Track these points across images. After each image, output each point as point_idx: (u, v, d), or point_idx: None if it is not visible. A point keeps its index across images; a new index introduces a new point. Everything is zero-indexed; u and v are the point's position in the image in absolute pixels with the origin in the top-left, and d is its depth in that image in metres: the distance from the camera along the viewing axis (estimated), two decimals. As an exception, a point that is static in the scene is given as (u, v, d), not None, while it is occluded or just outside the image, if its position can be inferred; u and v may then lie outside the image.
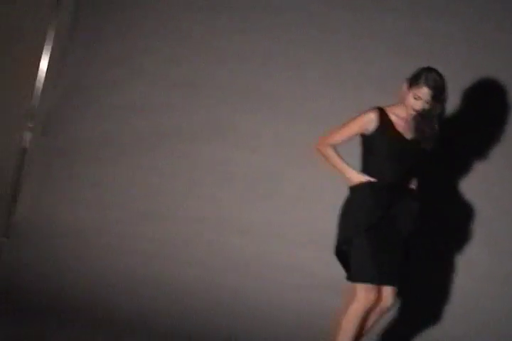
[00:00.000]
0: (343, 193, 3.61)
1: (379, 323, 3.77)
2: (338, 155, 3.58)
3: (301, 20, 4.60)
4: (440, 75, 3.48)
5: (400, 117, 3.57)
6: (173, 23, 4.73)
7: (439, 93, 3.47)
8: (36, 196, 4.85)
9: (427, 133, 3.55)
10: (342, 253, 3.65)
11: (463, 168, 4.48)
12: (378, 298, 3.60)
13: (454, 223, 4.47)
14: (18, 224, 4.81)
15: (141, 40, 4.77)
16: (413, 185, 3.73)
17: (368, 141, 3.59)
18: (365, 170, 3.59)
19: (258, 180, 4.59)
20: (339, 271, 3.65)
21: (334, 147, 3.61)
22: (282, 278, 4.42)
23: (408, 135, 3.58)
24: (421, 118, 3.53)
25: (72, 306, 4.32)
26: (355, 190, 3.55)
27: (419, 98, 3.46)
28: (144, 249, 4.60)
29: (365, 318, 3.65)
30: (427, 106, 3.50)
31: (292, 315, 4.32)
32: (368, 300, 3.56)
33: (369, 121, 3.54)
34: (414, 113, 3.53)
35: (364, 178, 3.56)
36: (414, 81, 3.47)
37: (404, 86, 3.50)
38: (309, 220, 4.48)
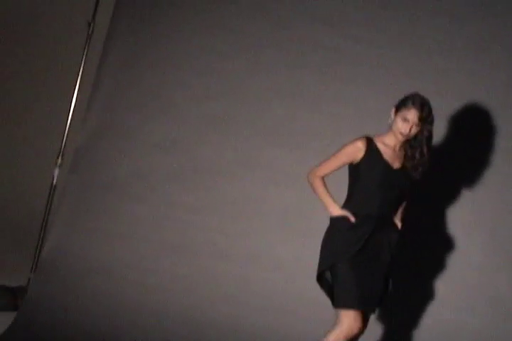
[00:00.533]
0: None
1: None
2: (325, 186, 3.65)
3: (333, 59, 4.72)
4: (426, 98, 3.55)
5: (389, 146, 3.60)
6: (204, 58, 4.80)
7: (426, 114, 3.51)
8: (64, 233, 4.86)
9: (417, 160, 3.58)
10: (324, 279, 3.69)
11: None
12: (363, 326, 3.59)
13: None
14: (45, 260, 4.79)
15: (172, 74, 4.82)
16: (398, 219, 3.76)
17: (355, 170, 3.63)
18: (351, 198, 3.64)
19: (289, 216, 4.60)
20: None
21: (323, 178, 3.67)
22: (314, 315, 4.41)
23: (396, 164, 3.61)
24: (409, 145, 3.57)
25: None
26: (335, 221, 3.61)
27: (407, 120, 3.49)
28: (173, 285, 4.60)
29: None
30: (414, 130, 3.53)
31: None
32: (351, 328, 3.57)
33: (356, 151, 3.58)
34: (402, 138, 3.56)
35: (343, 213, 3.61)
36: (401, 104, 3.52)
37: (392, 111, 3.55)
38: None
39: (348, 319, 3.59)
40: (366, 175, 3.66)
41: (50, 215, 4.92)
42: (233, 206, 4.66)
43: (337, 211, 3.62)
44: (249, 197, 4.64)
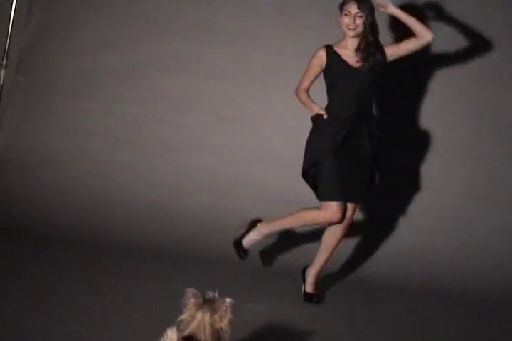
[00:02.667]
0: (303, 119, 4.03)
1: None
2: (307, 95, 3.92)
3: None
4: None
5: (348, 49, 3.88)
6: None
7: (363, 3, 3.79)
8: (15, 129, 5.04)
9: (365, 50, 3.82)
10: (309, 175, 3.96)
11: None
12: (343, 217, 3.86)
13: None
14: None
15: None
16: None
17: (325, 76, 3.94)
18: (329, 102, 3.92)
19: (220, 107, 4.91)
20: (303, 188, 4.05)
21: (307, 90, 3.94)
22: (251, 196, 4.79)
23: (357, 64, 3.86)
24: (360, 40, 3.81)
25: (52, 230, 4.56)
26: (315, 120, 3.90)
27: (349, 13, 3.78)
28: (120, 174, 4.88)
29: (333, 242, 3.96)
30: (358, 21, 3.79)
31: None
32: (330, 218, 3.86)
33: (320, 59, 3.88)
34: (352, 32, 3.82)
35: (319, 110, 3.87)
36: (342, 3, 3.83)
37: (339, 15, 3.82)
38: (271, 143, 4.86)
39: (331, 210, 3.86)
40: (333, 78, 3.93)
41: (0, 113, 5.05)
42: (171, 99, 4.91)
43: (316, 107, 3.89)
44: (186, 91, 4.89)
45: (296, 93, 3.98)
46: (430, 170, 4.88)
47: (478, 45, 4.75)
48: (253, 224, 4.09)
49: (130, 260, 4.32)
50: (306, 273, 4.00)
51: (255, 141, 4.88)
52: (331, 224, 3.88)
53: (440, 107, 4.88)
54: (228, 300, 2.46)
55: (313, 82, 3.94)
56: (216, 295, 2.49)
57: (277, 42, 4.84)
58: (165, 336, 2.34)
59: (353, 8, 3.79)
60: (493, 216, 4.81)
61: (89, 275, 3.96)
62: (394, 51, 3.90)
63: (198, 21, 4.90)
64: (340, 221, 3.84)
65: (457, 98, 4.88)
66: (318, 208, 3.89)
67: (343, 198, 3.84)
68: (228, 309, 2.45)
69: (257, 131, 4.89)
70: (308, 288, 3.98)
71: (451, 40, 4.72)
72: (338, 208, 3.79)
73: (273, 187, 4.82)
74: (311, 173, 3.94)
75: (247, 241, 4.05)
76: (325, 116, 3.82)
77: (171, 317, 2.53)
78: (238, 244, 4.09)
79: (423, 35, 3.85)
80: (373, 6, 3.81)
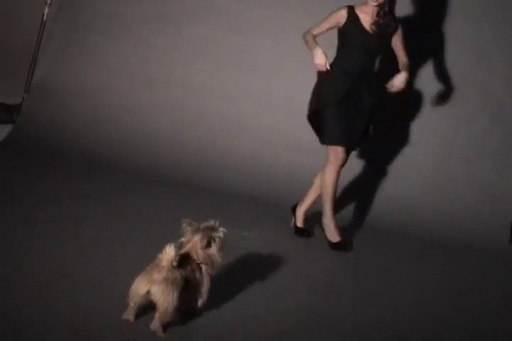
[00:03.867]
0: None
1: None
2: (314, 39, 4.13)
3: None
4: None
5: (367, 14, 4.16)
6: None
7: None
8: (53, 61, 5.46)
9: (381, 19, 4.11)
10: (313, 120, 4.28)
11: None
12: (346, 158, 4.18)
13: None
14: (37, 83, 5.45)
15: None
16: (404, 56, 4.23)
17: (340, 33, 4.22)
18: (337, 56, 4.22)
19: (239, 56, 5.29)
20: (312, 135, 4.34)
21: (315, 36, 4.15)
22: (263, 138, 5.22)
23: (371, 28, 4.15)
24: (379, 9, 4.09)
25: (78, 149, 5.07)
26: (321, 72, 4.17)
27: None
28: (140, 109, 5.33)
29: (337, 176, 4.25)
30: None
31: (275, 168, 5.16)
32: (337, 161, 4.19)
33: (340, 17, 4.16)
34: (374, 3, 4.09)
35: (319, 52, 4.07)
36: None
37: None
38: (285, 92, 5.23)
39: (334, 153, 4.19)
40: (348, 37, 4.20)
41: (41, 46, 5.46)
42: (194, 46, 5.30)
43: (318, 50, 4.07)
44: (209, 40, 5.29)
45: (304, 34, 4.19)
46: (420, 127, 5.19)
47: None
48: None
49: (147, 186, 4.74)
50: (297, 209, 4.36)
51: (265, 90, 5.25)
52: (342, 167, 4.18)
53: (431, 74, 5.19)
54: (222, 229, 2.77)
55: (323, 33, 4.18)
56: (217, 223, 2.79)
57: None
58: (163, 251, 2.62)
59: None
60: (473, 174, 5.11)
61: (103, 196, 4.38)
62: (397, 39, 4.23)
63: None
64: (344, 162, 4.18)
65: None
66: (324, 170, 4.20)
67: (348, 143, 4.20)
68: (220, 237, 2.77)
69: (268, 82, 5.25)
70: (299, 223, 4.35)
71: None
72: (342, 151, 4.15)
73: (278, 131, 5.25)
74: (315, 118, 4.25)
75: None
76: (327, 66, 4.06)
77: (173, 239, 2.79)
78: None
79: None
80: None
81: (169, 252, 2.60)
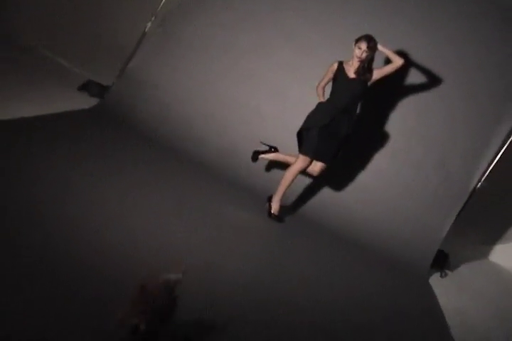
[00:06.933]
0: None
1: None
2: (323, 93, 5.17)
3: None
4: (372, 35, 4.93)
5: (352, 66, 5.07)
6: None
7: (371, 44, 4.91)
8: (144, 61, 6.44)
9: (362, 71, 5.03)
10: (300, 135, 5.19)
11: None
12: (309, 167, 5.17)
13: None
14: (127, 73, 6.46)
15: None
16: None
17: (333, 80, 5.17)
18: (331, 96, 5.18)
19: (272, 83, 6.23)
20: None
21: (323, 87, 5.18)
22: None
23: (353, 77, 5.04)
24: (361, 65, 4.99)
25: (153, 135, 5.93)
26: (318, 104, 5.21)
27: (360, 48, 4.92)
28: (200, 109, 6.29)
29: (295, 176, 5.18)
30: (365, 55, 4.91)
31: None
32: (302, 165, 5.13)
33: (333, 68, 5.12)
34: (358, 60, 4.95)
35: (322, 99, 5.14)
36: (357, 39, 5.00)
37: (353, 45, 4.99)
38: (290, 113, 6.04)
39: (302, 161, 5.09)
40: (336, 83, 5.13)
41: (138, 48, 6.56)
42: (240, 75, 6.25)
43: (321, 99, 5.14)
44: (251, 71, 6.25)
45: (317, 88, 5.22)
46: (377, 161, 6.01)
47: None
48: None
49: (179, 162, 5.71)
50: (272, 199, 5.29)
51: (279, 105, 6.15)
52: (302, 170, 5.13)
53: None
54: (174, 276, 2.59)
55: (328, 82, 5.19)
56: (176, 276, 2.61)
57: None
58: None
59: (363, 46, 4.95)
60: (412, 208, 5.89)
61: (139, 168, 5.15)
62: (378, 72, 5.15)
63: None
64: (305, 169, 5.12)
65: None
66: (291, 167, 5.10)
67: (314, 157, 5.12)
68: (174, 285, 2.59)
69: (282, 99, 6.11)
70: (274, 210, 5.25)
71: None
72: (307, 161, 5.10)
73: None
74: (301, 134, 5.19)
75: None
76: (322, 100, 5.09)
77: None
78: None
79: (395, 60, 5.16)
80: (376, 45, 4.97)
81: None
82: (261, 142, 5.59)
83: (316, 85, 5.26)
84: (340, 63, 5.13)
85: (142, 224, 4.12)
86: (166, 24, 6.50)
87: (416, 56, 6.06)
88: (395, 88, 6.10)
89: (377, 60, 5.37)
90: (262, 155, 5.51)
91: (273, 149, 5.56)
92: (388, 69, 5.19)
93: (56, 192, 4.02)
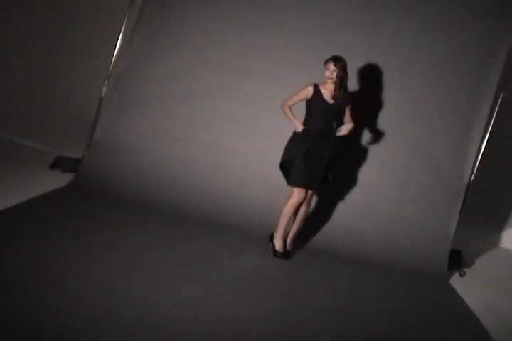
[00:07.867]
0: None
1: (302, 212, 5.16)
2: (290, 111, 5.00)
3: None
4: (340, 56, 4.88)
5: (327, 89, 5.00)
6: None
7: (339, 64, 4.85)
8: (108, 126, 6.34)
9: (335, 93, 4.94)
10: (284, 168, 5.07)
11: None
12: (305, 197, 5.02)
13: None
14: (95, 142, 6.34)
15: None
16: (349, 121, 5.01)
17: (307, 104, 5.04)
18: (306, 121, 5.06)
19: (248, 123, 6.17)
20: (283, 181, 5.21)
21: (290, 107, 5.01)
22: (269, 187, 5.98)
23: (330, 101, 4.96)
24: (335, 85, 4.93)
25: (132, 195, 5.86)
26: (295, 132, 5.07)
27: (328, 68, 4.89)
28: (174, 161, 6.19)
29: (296, 209, 5.09)
30: (335, 74, 4.86)
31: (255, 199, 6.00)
32: (299, 198, 5.01)
33: (308, 91, 4.98)
34: (330, 80, 4.91)
35: (299, 126, 4.97)
36: (326, 61, 4.95)
37: (324, 67, 4.92)
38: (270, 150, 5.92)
39: (297, 192, 4.94)
40: (312, 106, 4.99)
41: (99, 115, 6.46)
42: (217, 117, 6.20)
43: (296, 123, 4.95)
44: (227, 112, 6.20)
45: (282, 106, 5.02)
46: (368, 174, 5.95)
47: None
48: (270, 237, 5.20)
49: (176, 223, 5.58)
50: (274, 237, 5.15)
51: (262, 145, 6.11)
52: (300, 203, 4.97)
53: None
54: None
55: (295, 104, 5.04)
56: None
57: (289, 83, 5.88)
58: None
59: (331, 66, 4.92)
60: (416, 214, 5.84)
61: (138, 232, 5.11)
62: (348, 109, 5.14)
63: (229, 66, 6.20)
64: (303, 200, 4.99)
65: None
66: (287, 201, 4.94)
67: (306, 186, 4.99)
68: None
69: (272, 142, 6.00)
70: (279, 248, 5.12)
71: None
72: (302, 191, 4.98)
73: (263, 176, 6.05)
74: (285, 166, 5.07)
75: (278, 248, 5.12)
76: (300, 129, 4.94)
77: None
78: (276, 255, 5.11)
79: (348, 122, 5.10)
80: (346, 65, 4.89)
81: None
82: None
83: (281, 104, 5.12)
84: (316, 86, 5.05)
85: (152, 294, 4.05)
86: (119, 87, 6.47)
87: (388, 60, 6.10)
88: (366, 95, 6.09)
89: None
90: (276, 247, 5.26)
91: (271, 236, 5.37)
92: (348, 114, 5.22)
93: (56, 279, 3.95)
